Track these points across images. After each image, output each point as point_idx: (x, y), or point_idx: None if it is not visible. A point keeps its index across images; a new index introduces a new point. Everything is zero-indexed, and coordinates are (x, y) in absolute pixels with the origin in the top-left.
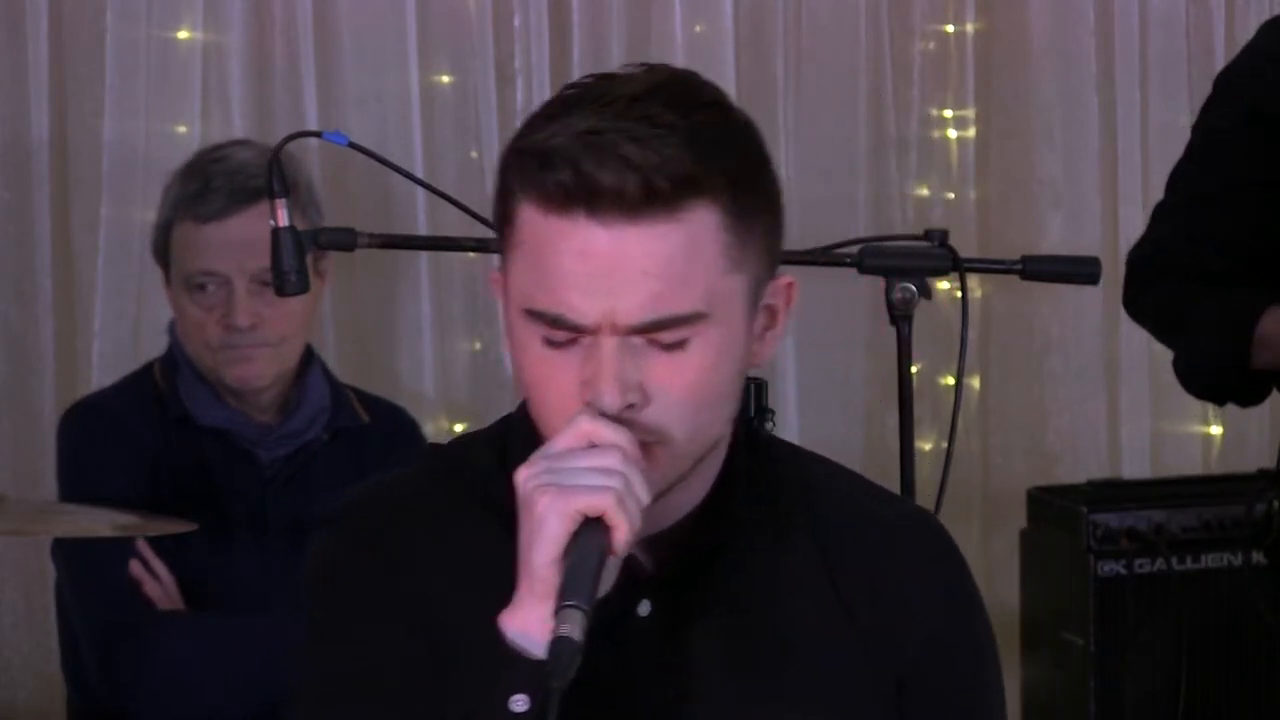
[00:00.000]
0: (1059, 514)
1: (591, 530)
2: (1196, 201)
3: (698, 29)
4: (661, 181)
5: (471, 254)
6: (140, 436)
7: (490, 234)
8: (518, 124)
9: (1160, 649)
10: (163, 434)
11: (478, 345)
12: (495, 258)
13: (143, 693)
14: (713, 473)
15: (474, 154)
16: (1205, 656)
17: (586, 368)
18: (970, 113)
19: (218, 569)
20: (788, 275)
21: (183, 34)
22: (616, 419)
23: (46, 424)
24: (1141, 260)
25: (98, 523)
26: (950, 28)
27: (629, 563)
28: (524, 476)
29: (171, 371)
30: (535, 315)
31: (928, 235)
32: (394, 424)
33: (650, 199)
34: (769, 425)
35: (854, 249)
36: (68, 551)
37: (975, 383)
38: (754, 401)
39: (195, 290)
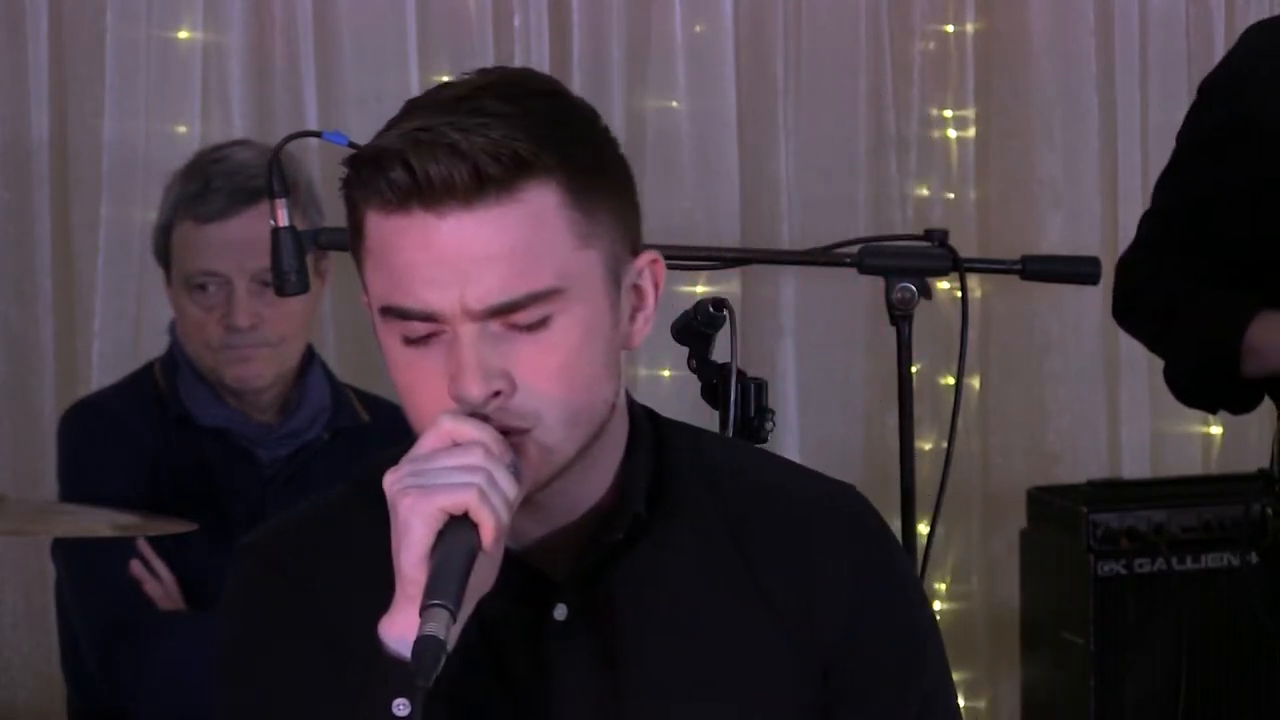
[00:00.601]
0: (1059, 514)
1: (458, 529)
2: (1186, 206)
3: (698, 29)
4: (492, 166)
5: None
6: (140, 436)
7: None
8: None
9: (1160, 649)
10: (163, 434)
11: None
12: None
13: (143, 693)
14: (613, 465)
15: None
16: (1205, 656)
17: (450, 363)
18: (970, 113)
19: (218, 569)
20: (651, 252)
21: (183, 34)
22: (486, 412)
23: (46, 424)
24: (1130, 267)
25: (98, 523)
26: (950, 28)
27: (541, 566)
28: (389, 481)
29: (172, 371)
30: (391, 312)
31: (928, 235)
32: (394, 423)
33: (483, 185)
34: (769, 425)
35: (854, 249)
36: (68, 551)
37: (975, 383)
38: (754, 401)
39: (196, 290)
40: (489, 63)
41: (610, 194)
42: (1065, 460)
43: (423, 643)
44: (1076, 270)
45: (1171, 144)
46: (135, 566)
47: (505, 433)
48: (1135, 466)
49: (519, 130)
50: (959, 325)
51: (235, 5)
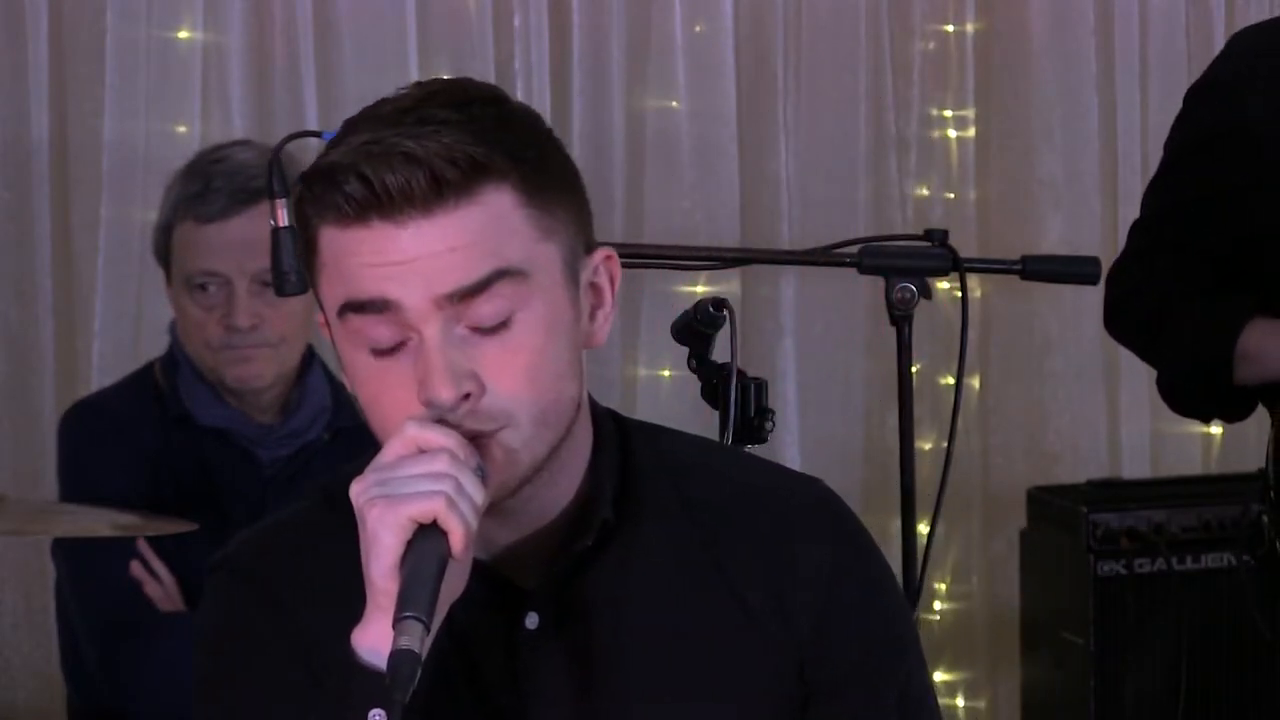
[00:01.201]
0: (1059, 514)
1: (427, 537)
2: (1179, 208)
3: (698, 29)
4: (449, 170)
5: None
6: (140, 436)
7: None
8: None
9: (1160, 649)
10: (163, 434)
11: None
12: None
13: (143, 693)
14: (580, 468)
15: None
16: (1205, 656)
17: (418, 369)
18: (970, 113)
19: None
20: (606, 249)
21: (183, 34)
22: (455, 418)
23: (46, 424)
24: (1120, 275)
25: (98, 523)
26: (950, 27)
27: (511, 575)
28: (356, 491)
29: (172, 371)
30: (353, 308)
31: (928, 235)
32: None
33: (441, 190)
34: (769, 425)
35: (854, 249)
36: (68, 551)
37: (975, 383)
38: (754, 401)
39: (196, 290)
40: (489, 62)
41: (562, 192)
42: (1065, 460)
43: (398, 657)
44: (1076, 270)
45: None
46: (135, 567)
47: (473, 437)
48: (1135, 466)
49: (469, 135)
50: (959, 325)
51: (235, 5)
